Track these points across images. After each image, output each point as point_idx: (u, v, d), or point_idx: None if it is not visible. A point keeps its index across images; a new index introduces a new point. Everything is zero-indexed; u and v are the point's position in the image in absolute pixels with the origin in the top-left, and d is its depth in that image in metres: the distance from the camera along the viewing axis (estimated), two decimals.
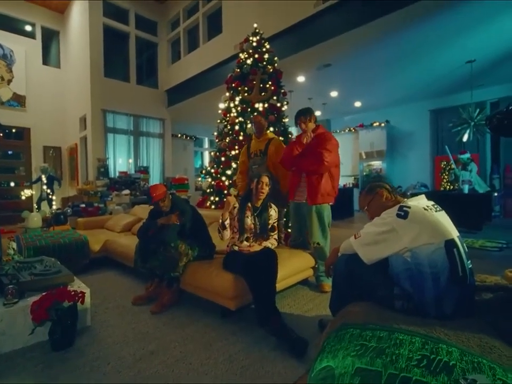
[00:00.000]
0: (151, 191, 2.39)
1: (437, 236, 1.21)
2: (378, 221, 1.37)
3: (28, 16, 7.74)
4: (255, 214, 2.19)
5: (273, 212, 2.27)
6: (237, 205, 2.19)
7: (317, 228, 2.56)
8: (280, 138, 3.61)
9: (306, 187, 2.54)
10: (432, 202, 1.36)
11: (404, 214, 1.26)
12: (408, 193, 5.19)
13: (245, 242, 2.18)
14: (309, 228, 2.62)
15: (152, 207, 2.80)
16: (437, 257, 1.19)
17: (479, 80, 5.96)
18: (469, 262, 1.24)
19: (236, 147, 3.66)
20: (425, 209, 1.27)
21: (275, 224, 2.29)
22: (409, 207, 1.27)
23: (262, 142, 2.93)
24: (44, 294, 1.73)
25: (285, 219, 3.42)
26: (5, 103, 7.35)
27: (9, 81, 7.41)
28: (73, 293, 1.78)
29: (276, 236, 2.30)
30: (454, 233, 1.26)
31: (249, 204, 2.20)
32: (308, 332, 1.78)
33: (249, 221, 2.17)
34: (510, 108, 2.45)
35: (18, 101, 7.54)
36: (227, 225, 2.11)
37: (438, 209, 1.32)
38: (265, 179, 2.16)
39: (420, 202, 1.35)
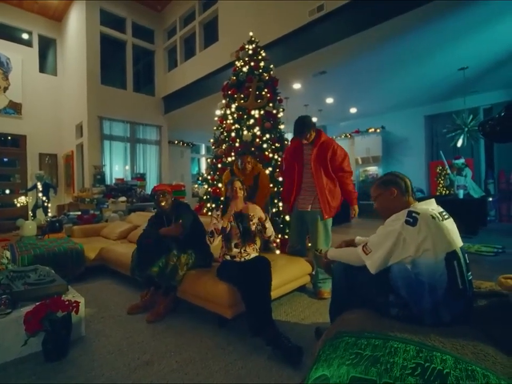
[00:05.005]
0: (154, 187, 2.48)
1: (440, 247, 1.19)
2: (385, 229, 1.32)
3: (24, 25, 7.77)
4: (238, 220, 2.20)
5: (255, 211, 2.25)
6: (219, 213, 2.22)
7: (322, 236, 2.57)
8: (276, 144, 3.65)
9: (321, 200, 2.53)
10: (441, 210, 1.32)
11: (413, 220, 1.22)
12: None
13: (235, 249, 2.16)
14: (313, 236, 2.61)
15: (152, 214, 2.82)
16: (437, 269, 1.18)
17: (471, 87, 6.05)
18: (469, 273, 1.23)
19: (232, 154, 3.67)
20: (432, 217, 1.23)
21: (262, 215, 2.24)
22: (418, 213, 1.23)
23: (249, 176, 2.91)
24: (37, 304, 1.71)
25: (281, 225, 3.43)
26: (1, 111, 7.32)
27: (5, 89, 7.40)
28: (67, 302, 1.76)
29: (268, 224, 2.22)
30: (458, 243, 1.23)
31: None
32: (304, 340, 1.77)
33: (234, 225, 2.19)
34: (502, 114, 2.48)
35: (14, 108, 7.53)
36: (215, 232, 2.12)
37: (446, 217, 1.29)
38: (238, 184, 2.21)
39: (429, 208, 1.31)
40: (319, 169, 2.53)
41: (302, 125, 2.52)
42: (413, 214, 1.24)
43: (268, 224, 2.21)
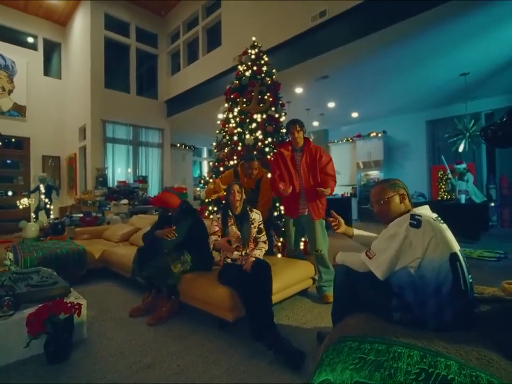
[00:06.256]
0: (160, 195, 2.58)
1: (444, 248, 1.20)
2: (388, 233, 1.32)
3: (30, 28, 7.85)
4: (238, 222, 2.24)
5: (255, 215, 2.31)
6: (219, 216, 2.28)
7: (321, 236, 2.64)
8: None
9: (309, 203, 2.62)
10: (435, 215, 1.33)
11: (416, 223, 1.23)
12: None
13: (236, 252, 2.19)
14: (312, 238, 2.66)
15: (154, 215, 2.86)
16: (442, 270, 1.18)
17: (473, 92, 6.06)
18: (470, 276, 1.23)
19: (235, 157, 3.68)
20: (433, 219, 1.26)
21: (261, 226, 2.33)
22: (420, 216, 1.25)
23: (252, 180, 2.95)
24: (40, 306, 1.72)
25: (283, 229, 3.43)
26: (6, 113, 7.38)
27: (10, 92, 7.47)
28: (69, 305, 1.76)
29: (264, 238, 2.30)
30: (457, 247, 1.25)
31: (230, 213, 2.28)
32: (306, 344, 1.77)
33: (234, 228, 2.22)
34: (504, 119, 2.49)
35: (18, 111, 7.59)
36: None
37: (441, 222, 1.31)
38: (236, 187, 2.25)
39: (427, 212, 1.32)
40: (308, 174, 2.64)
41: (298, 120, 2.74)
42: (416, 217, 1.25)
43: (263, 238, 2.30)
